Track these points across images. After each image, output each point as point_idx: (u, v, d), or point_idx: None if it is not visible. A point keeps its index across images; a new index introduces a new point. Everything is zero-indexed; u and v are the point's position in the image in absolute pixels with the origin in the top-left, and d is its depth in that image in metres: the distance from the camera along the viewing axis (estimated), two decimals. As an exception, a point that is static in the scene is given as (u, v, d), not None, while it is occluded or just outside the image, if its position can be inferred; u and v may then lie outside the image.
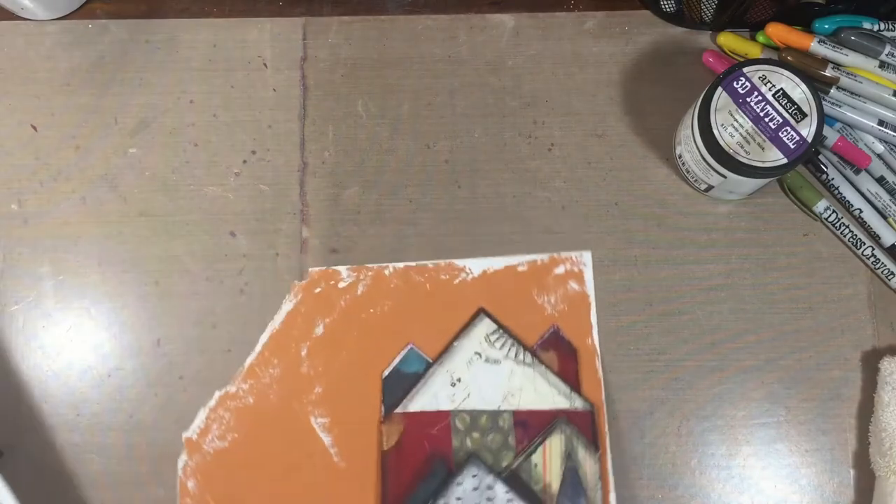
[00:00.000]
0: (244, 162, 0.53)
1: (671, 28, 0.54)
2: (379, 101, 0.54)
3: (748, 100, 0.46)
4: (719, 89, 0.46)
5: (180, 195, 0.53)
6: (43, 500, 0.50)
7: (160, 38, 0.55)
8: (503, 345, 0.49)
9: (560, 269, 0.50)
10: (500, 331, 0.49)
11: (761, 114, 0.46)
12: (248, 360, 0.50)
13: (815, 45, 0.51)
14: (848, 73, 0.50)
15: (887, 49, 0.50)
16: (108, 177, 0.53)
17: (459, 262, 0.50)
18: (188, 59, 0.54)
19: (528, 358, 0.49)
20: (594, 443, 0.47)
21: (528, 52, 0.54)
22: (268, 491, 0.48)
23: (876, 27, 0.51)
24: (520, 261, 0.50)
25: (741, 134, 0.46)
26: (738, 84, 0.46)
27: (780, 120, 0.46)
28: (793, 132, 0.46)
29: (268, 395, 0.49)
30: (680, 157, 0.51)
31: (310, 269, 0.50)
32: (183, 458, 0.48)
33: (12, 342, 0.51)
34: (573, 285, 0.50)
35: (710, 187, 0.50)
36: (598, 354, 0.49)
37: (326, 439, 0.48)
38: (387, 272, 0.50)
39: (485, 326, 0.49)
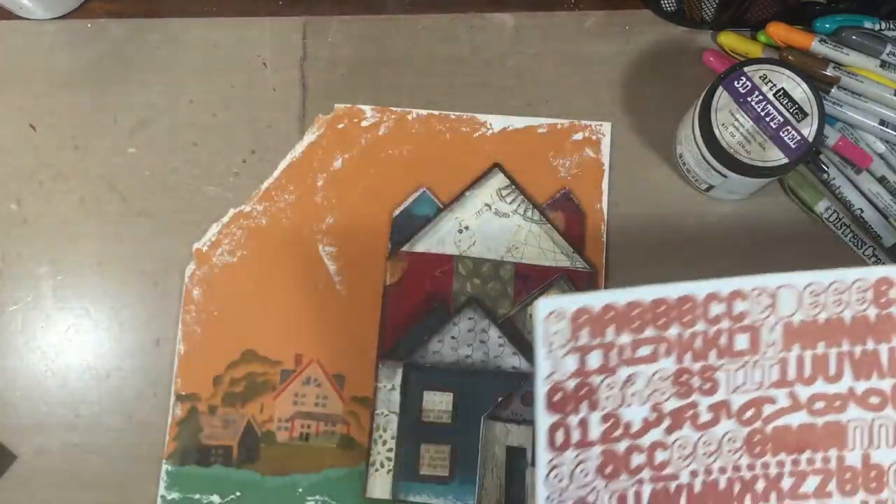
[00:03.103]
0: (244, 162, 0.53)
1: (672, 27, 0.54)
2: (379, 101, 0.54)
3: (749, 99, 0.46)
4: (720, 89, 0.46)
5: (180, 195, 0.53)
6: (43, 500, 0.49)
7: (160, 37, 0.55)
8: (513, 200, 0.51)
9: (578, 136, 0.52)
10: (512, 187, 0.51)
11: (762, 113, 0.46)
12: (266, 184, 0.52)
13: (815, 45, 0.51)
14: (849, 73, 0.50)
15: (888, 48, 0.50)
16: (107, 177, 0.53)
17: (481, 117, 0.53)
18: (188, 59, 0.54)
19: (537, 216, 0.51)
20: None
21: (528, 51, 0.54)
22: (270, 308, 0.50)
23: (877, 26, 0.51)
24: (540, 122, 0.52)
25: (742, 133, 0.46)
26: (738, 83, 0.46)
27: (781, 119, 0.46)
28: (794, 132, 0.46)
29: (280, 218, 0.51)
30: (681, 156, 0.51)
31: (336, 105, 0.52)
32: (191, 266, 0.51)
33: (11, 342, 0.51)
34: (589, 152, 0.52)
35: (710, 187, 0.50)
36: (605, 220, 0.51)
37: (332, 267, 0.50)
38: (410, 117, 0.52)
39: (498, 181, 0.51)
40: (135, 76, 0.54)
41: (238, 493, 0.49)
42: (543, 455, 0.36)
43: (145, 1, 0.55)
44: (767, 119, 0.46)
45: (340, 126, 0.53)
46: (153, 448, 0.50)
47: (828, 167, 0.51)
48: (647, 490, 0.37)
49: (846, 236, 0.51)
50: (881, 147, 0.51)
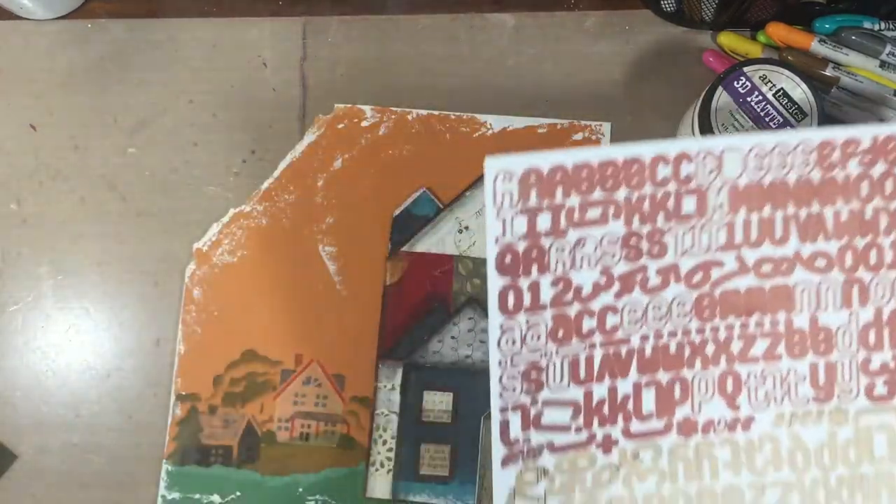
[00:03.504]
0: (244, 162, 0.53)
1: (671, 27, 0.54)
2: (379, 101, 0.54)
3: (748, 99, 0.46)
4: (720, 89, 0.46)
5: (180, 195, 0.53)
6: (43, 500, 0.50)
7: (160, 37, 0.55)
8: None
9: (578, 136, 0.52)
10: None
11: (762, 113, 0.46)
12: (266, 184, 0.52)
13: (815, 45, 0.51)
14: (848, 73, 0.50)
15: (888, 49, 0.50)
16: (107, 177, 0.53)
17: (481, 117, 0.53)
18: (188, 59, 0.54)
19: None
20: None
21: (528, 51, 0.54)
22: (270, 308, 0.50)
23: (876, 27, 0.51)
24: (540, 122, 0.52)
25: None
26: (738, 84, 0.46)
27: (781, 120, 0.46)
28: (793, 132, 0.46)
29: (280, 218, 0.51)
30: (680, 156, 0.51)
31: (336, 105, 0.52)
32: (191, 266, 0.51)
33: (12, 342, 0.51)
34: None
35: (710, 187, 0.50)
36: None
37: (332, 267, 0.51)
38: (410, 117, 0.52)
39: None
40: (135, 76, 0.54)
41: (238, 493, 0.49)
42: (495, 318, 0.36)
43: (145, 1, 0.55)
44: (767, 119, 0.46)
45: (340, 126, 0.53)
46: (153, 448, 0.50)
47: (827, 167, 0.51)
48: (598, 354, 0.37)
49: (846, 236, 0.51)
50: (881, 147, 0.51)
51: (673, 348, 0.37)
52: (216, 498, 0.49)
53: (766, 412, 0.37)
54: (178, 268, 0.52)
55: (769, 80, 0.46)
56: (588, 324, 0.37)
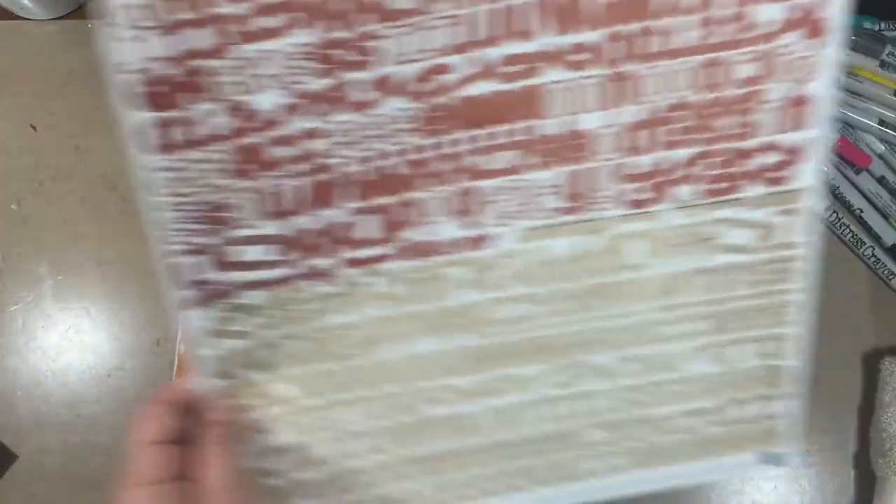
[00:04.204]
0: (244, 162, 0.53)
1: (671, 28, 0.54)
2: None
3: (748, 99, 0.46)
4: (719, 89, 0.46)
5: (180, 195, 0.53)
6: (43, 500, 0.50)
7: (160, 37, 0.55)
8: None
9: None
10: None
11: (762, 114, 0.46)
12: None
13: (815, 45, 0.51)
14: (849, 73, 0.50)
15: (888, 48, 0.50)
16: (107, 176, 0.53)
17: None
18: (188, 59, 0.54)
19: None
20: None
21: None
22: None
23: (876, 27, 0.51)
24: None
25: (741, 134, 0.46)
26: (738, 84, 0.46)
27: (781, 120, 0.46)
28: (793, 132, 0.46)
29: None
30: (680, 156, 0.51)
31: None
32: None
33: (12, 342, 0.51)
34: None
35: (710, 187, 0.50)
36: None
37: None
38: None
39: None
40: (135, 76, 0.54)
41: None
42: (151, 160, 0.31)
43: (145, 1, 0.55)
44: (767, 119, 0.46)
45: None
46: (153, 448, 0.50)
47: (827, 167, 0.51)
48: (307, 182, 0.32)
49: (846, 236, 0.51)
50: (880, 147, 0.51)
51: (401, 168, 0.32)
52: (216, 498, 0.48)
53: (512, 227, 0.33)
54: (178, 268, 0.52)
55: (769, 81, 0.46)
56: (284, 152, 0.31)
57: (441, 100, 0.31)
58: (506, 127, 0.32)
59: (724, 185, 0.34)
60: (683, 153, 0.33)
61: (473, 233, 0.34)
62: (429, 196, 0.33)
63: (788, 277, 0.37)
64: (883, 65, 0.50)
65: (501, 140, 0.32)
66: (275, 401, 0.35)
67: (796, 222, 0.35)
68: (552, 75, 0.31)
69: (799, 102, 0.33)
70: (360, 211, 0.33)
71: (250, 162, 0.31)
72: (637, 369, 0.36)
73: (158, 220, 0.32)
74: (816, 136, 0.33)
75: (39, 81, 0.54)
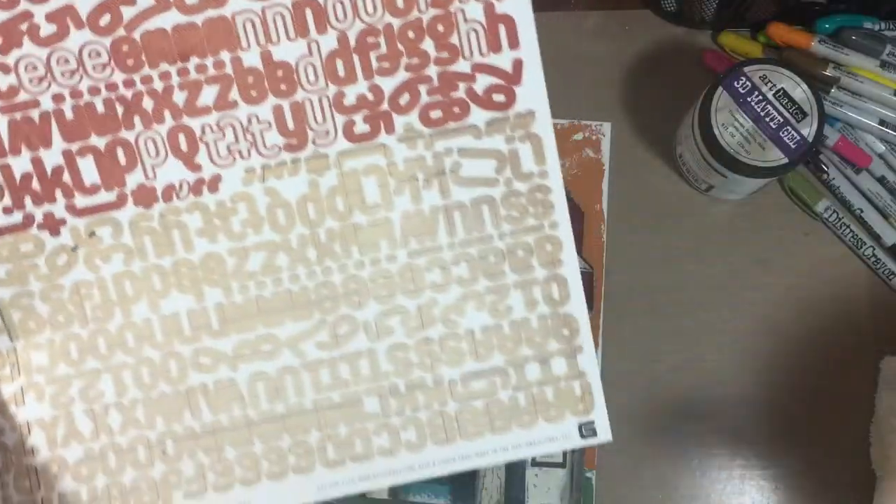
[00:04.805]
0: (244, 162, 0.53)
1: (671, 27, 0.54)
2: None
3: (749, 99, 0.46)
4: (720, 89, 0.46)
5: (180, 195, 0.52)
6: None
7: (159, 37, 0.55)
8: None
9: (578, 136, 0.51)
10: None
11: (762, 113, 0.46)
12: None
13: (815, 45, 0.51)
14: (849, 73, 0.50)
15: (888, 49, 0.50)
16: (107, 177, 0.53)
17: None
18: (188, 59, 0.54)
19: None
20: (589, 302, 0.47)
21: (527, 51, 0.54)
22: None
23: (877, 27, 0.51)
24: None
25: (742, 134, 0.46)
26: (738, 84, 0.46)
27: (781, 120, 0.46)
28: (793, 132, 0.46)
29: None
30: (680, 156, 0.51)
31: None
32: None
33: (12, 342, 0.51)
34: (589, 152, 0.50)
35: (710, 187, 0.50)
36: (605, 220, 0.49)
37: None
38: None
39: None
40: (134, 76, 0.54)
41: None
42: None
43: (145, 1, 0.55)
44: (767, 119, 0.46)
45: None
46: (153, 448, 0.50)
47: (828, 167, 0.51)
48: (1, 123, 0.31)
49: (846, 236, 0.51)
50: (881, 147, 0.51)
51: (100, 107, 0.31)
52: (215, 498, 0.48)
53: (233, 168, 0.32)
54: (178, 268, 0.51)
55: (769, 80, 0.46)
56: None
57: (126, 33, 0.31)
58: (203, 60, 0.31)
59: (439, 112, 0.32)
60: (390, 81, 0.32)
61: (196, 176, 0.32)
62: (141, 136, 0.32)
63: (546, 212, 0.34)
64: (883, 65, 0.50)
65: (202, 74, 0.31)
66: (24, 370, 0.33)
67: (532, 149, 0.34)
68: (234, 5, 0.31)
69: (497, 21, 0.32)
70: (70, 153, 0.32)
71: None
72: (404, 324, 0.33)
73: None
74: (526, 57, 0.32)
75: (39, 81, 0.54)
